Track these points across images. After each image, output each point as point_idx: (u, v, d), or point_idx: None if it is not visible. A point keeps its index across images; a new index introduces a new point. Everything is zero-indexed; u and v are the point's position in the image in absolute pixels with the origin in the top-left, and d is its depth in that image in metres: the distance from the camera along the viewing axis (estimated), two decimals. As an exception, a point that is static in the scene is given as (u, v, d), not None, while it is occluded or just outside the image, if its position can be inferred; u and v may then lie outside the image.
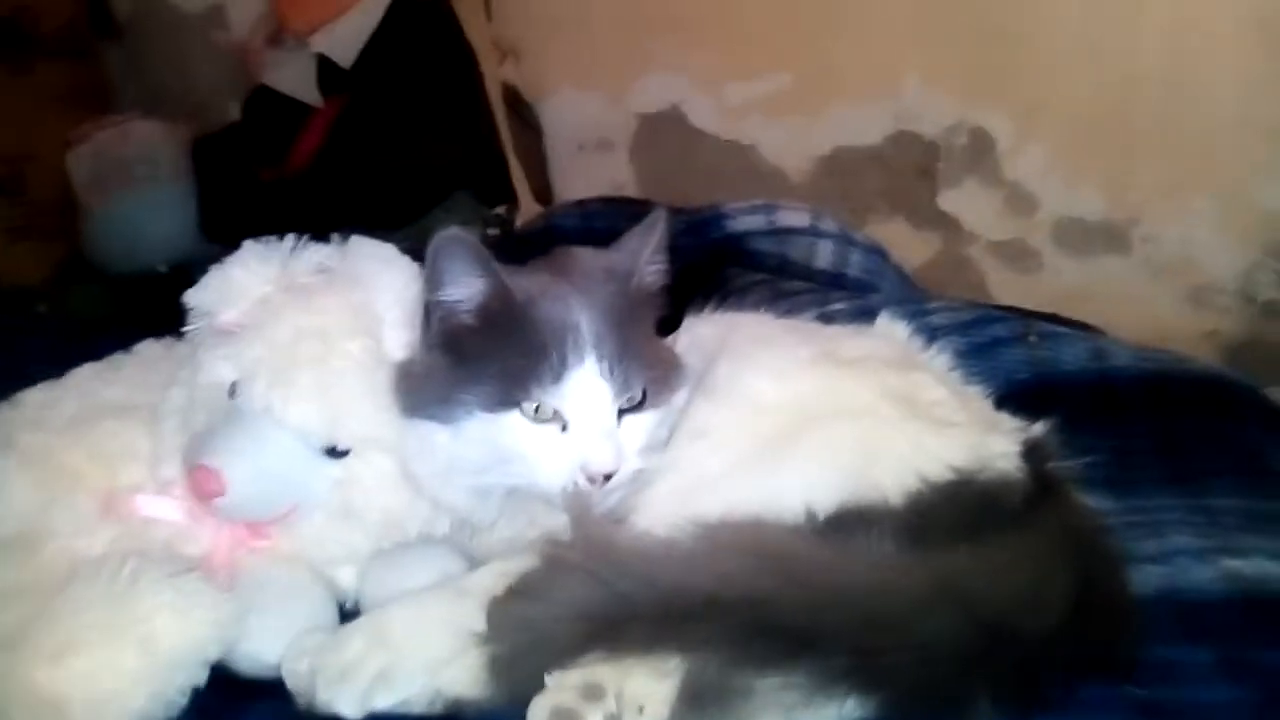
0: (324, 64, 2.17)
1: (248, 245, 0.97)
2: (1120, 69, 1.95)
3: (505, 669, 0.76)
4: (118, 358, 1.06)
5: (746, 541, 0.74)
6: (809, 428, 0.87)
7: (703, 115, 2.35)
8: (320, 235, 2.18)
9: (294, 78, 2.21)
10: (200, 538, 0.91)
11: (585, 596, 0.73)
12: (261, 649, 0.85)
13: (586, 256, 0.96)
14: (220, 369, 0.91)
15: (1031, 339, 1.25)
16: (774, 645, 0.70)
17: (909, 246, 2.08)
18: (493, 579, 0.84)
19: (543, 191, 2.35)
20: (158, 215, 2.25)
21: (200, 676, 0.83)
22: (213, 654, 0.83)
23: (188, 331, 0.97)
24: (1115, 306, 1.95)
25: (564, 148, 2.44)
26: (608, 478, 0.87)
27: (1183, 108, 1.90)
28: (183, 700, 0.82)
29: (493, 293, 0.88)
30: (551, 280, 0.92)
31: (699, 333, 1.01)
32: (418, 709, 0.80)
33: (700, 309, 1.06)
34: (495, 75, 2.23)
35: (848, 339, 1.01)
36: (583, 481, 0.87)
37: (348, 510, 0.92)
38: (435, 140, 2.16)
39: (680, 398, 0.94)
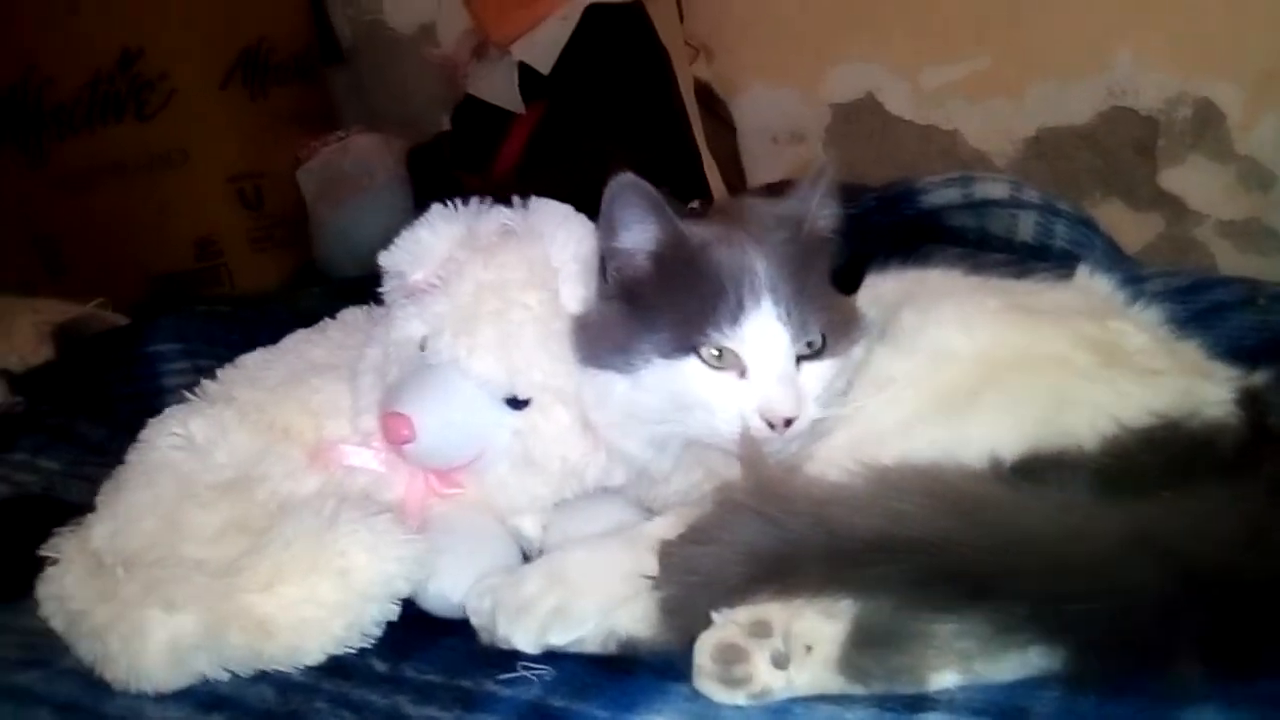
0: (525, 71, 2.26)
1: (435, 208, 1.02)
2: (1368, 23, 1.77)
3: (676, 610, 0.77)
4: (324, 323, 1.14)
5: (923, 483, 0.71)
6: (996, 376, 0.83)
7: (899, 101, 2.29)
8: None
9: (497, 86, 2.31)
10: (396, 485, 0.97)
11: (754, 537, 0.73)
12: (448, 588, 0.89)
13: (757, 204, 0.96)
14: (411, 325, 0.96)
15: (1260, 301, 1.15)
16: (952, 589, 0.67)
17: (1128, 229, 1.95)
18: (666, 526, 0.85)
19: (736, 186, 2.35)
20: (377, 222, 2.39)
21: (392, 611, 0.88)
22: (402, 589, 0.88)
23: (383, 293, 1.03)
24: (1367, 286, 1.77)
25: (756, 141, 2.44)
26: (788, 424, 0.85)
27: None
28: (377, 632, 0.87)
29: (668, 238, 0.89)
30: (725, 227, 0.92)
31: (881, 289, 0.99)
32: (591, 648, 0.82)
33: (883, 267, 1.03)
34: (688, 74, 2.25)
35: (1041, 292, 0.96)
36: (762, 427, 0.85)
37: (529, 460, 0.95)
38: (631, 140, 2.21)
39: (859, 350, 0.92)
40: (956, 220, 1.53)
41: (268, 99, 2.45)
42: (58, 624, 0.92)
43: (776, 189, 2.03)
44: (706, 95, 2.36)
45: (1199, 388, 0.81)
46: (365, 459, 0.97)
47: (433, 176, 2.41)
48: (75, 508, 1.49)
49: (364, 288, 2.43)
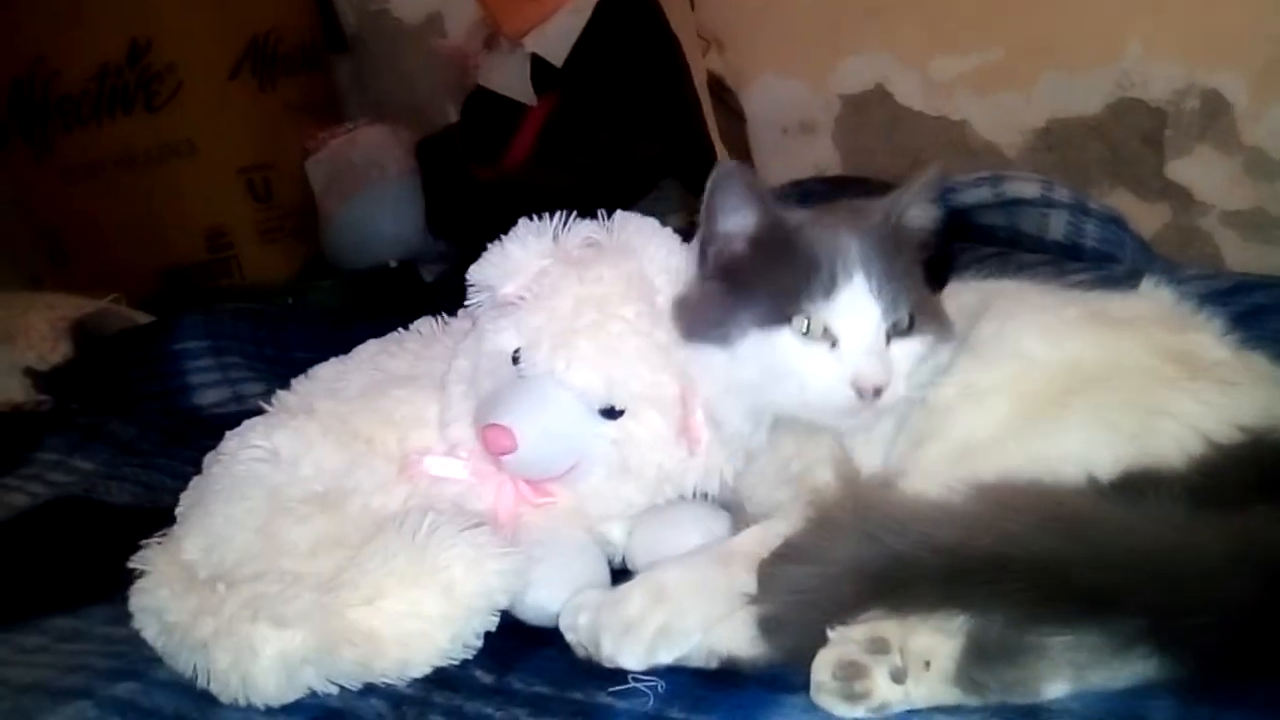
0: (536, 63, 2.26)
1: (523, 223, 1.04)
2: (1375, 15, 1.80)
3: (778, 627, 0.79)
4: (399, 335, 1.15)
5: (1030, 503, 0.74)
6: (1084, 390, 0.86)
7: (909, 93, 2.31)
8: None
9: (509, 78, 2.31)
10: (485, 495, 0.99)
11: (862, 555, 0.75)
12: (545, 599, 0.92)
13: (856, 200, 1.01)
14: (504, 338, 0.98)
15: (1301, 304, 1.18)
16: (1066, 606, 0.70)
17: (1135, 219, 1.96)
18: (756, 542, 0.88)
19: (748, 178, 2.37)
20: (386, 214, 2.40)
21: (491, 622, 0.90)
22: (502, 602, 0.90)
23: (470, 305, 1.04)
24: (1372, 276, 1.82)
25: (766, 133, 2.45)
26: (877, 394, 0.89)
27: None
28: (478, 644, 0.89)
29: (766, 222, 0.94)
30: (820, 212, 0.98)
31: (961, 300, 1.01)
32: (694, 663, 0.84)
33: (961, 278, 1.06)
34: (700, 65, 2.26)
35: (1114, 301, 0.99)
36: (852, 397, 0.89)
37: (625, 468, 0.97)
38: (644, 132, 2.21)
39: (947, 351, 0.95)
40: (987, 219, 1.56)
41: (276, 90, 2.44)
42: (151, 635, 0.93)
43: (804, 185, 2.06)
44: (717, 86, 2.37)
45: (1278, 402, 0.84)
46: (452, 469, 0.99)
47: (443, 169, 2.41)
48: (118, 510, 1.52)
49: (376, 281, 2.45)
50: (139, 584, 0.95)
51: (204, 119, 2.36)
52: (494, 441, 0.93)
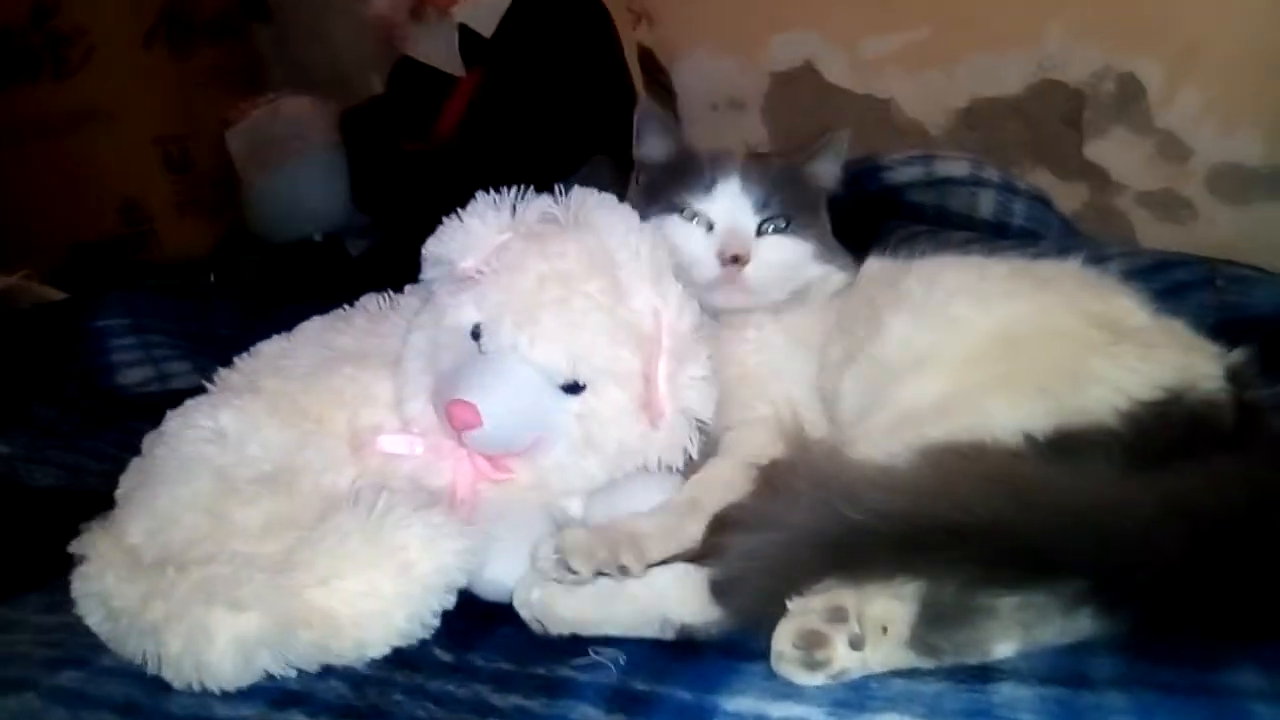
0: (465, 34, 2.22)
1: (480, 197, 1.03)
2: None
3: (730, 591, 0.81)
4: (344, 311, 1.13)
5: (976, 468, 0.76)
6: (1017, 357, 0.89)
7: (838, 71, 2.34)
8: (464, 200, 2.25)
9: (437, 49, 2.26)
10: (442, 471, 0.98)
11: (818, 523, 0.76)
12: (502, 576, 0.91)
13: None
14: (463, 313, 0.97)
15: (1219, 283, 1.23)
16: (1016, 568, 0.73)
17: (1055, 198, 2.05)
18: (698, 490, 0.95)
19: (677, 153, 2.38)
20: (311, 187, 2.35)
21: (449, 600, 0.89)
22: (460, 581, 0.89)
23: (424, 279, 1.03)
24: (1275, 254, 1.90)
25: (697, 108, 2.46)
26: (737, 261, 1.06)
27: (1348, 44, 1.83)
28: (436, 623, 0.89)
29: (675, 149, 1.17)
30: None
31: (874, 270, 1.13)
32: (648, 633, 0.85)
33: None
34: (631, 39, 2.25)
35: (1039, 265, 1.03)
36: (716, 265, 1.07)
37: (588, 442, 0.97)
38: (574, 106, 2.20)
39: (837, 276, 1.14)
40: (918, 197, 1.60)
41: (193, 57, 2.37)
42: (95, 622, 0.91)
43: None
44: (648, 61, 2.37)
45: (1195, 363, 0.88)
46: (406, 446, 0.98)
47: (369, 140, 2.36)
48: (42, 493, 1.47)
49: (301, 255, 2.40)
50: (81, 569, 0.92)
51: (117, 86, 2.27)
52: (459, 418, 0.93)
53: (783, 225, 1.11)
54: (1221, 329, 1.14)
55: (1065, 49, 2.12)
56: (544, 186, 2.26)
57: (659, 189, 1.14)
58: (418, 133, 2.30)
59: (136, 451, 1.46)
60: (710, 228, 1.10)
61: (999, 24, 2.16)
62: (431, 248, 1.02)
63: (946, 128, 2.25)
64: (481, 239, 0.99)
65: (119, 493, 0.99)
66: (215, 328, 1.76)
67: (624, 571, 0.86)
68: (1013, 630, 0.76)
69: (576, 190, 1.05)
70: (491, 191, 1.03)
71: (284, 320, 1.77)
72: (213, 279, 2.25)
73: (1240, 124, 2.00)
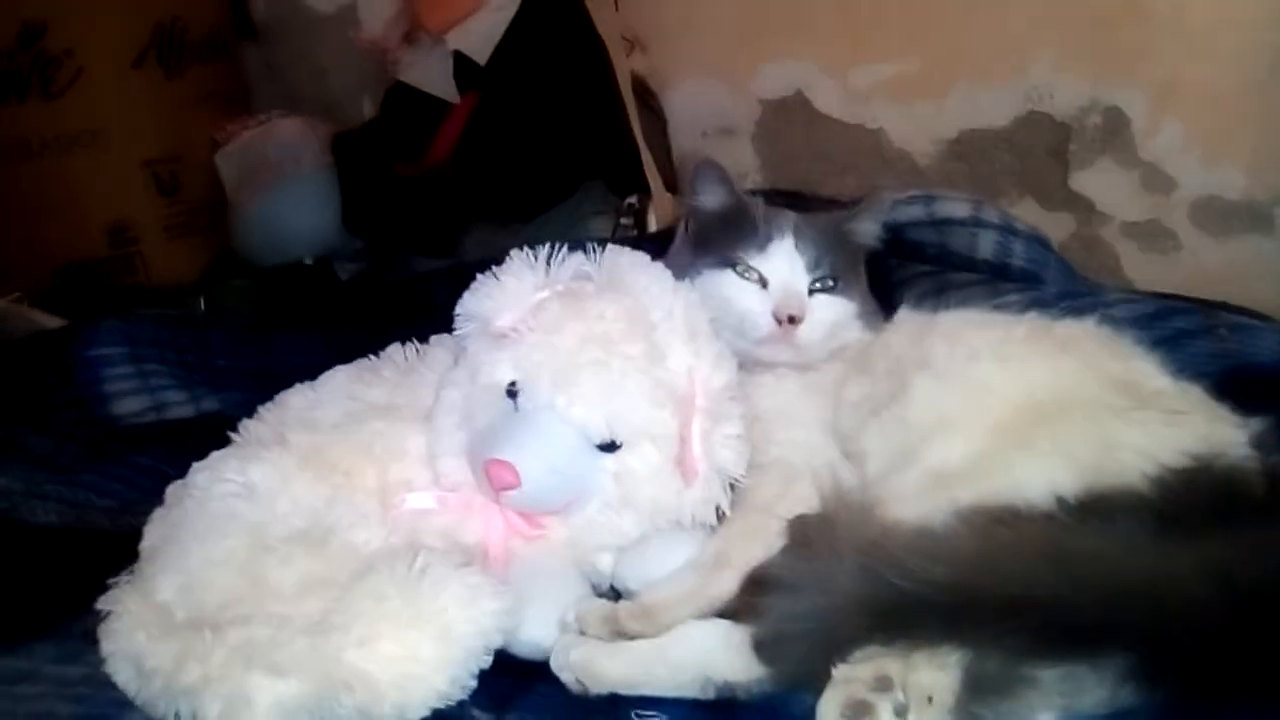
0: (459, 60, 2.23)
1: (515, 255, 1.04)
2: (1263, 40, 1.92)
3: (775, 649, 0.82)
4: (369, 363, 1.13)
5: (1021, 538, 0.78)
6: (1042, 419, 0.91)
7: (827, 100, 2.36)
8: (463, 227, 2.26)
9: (431, 74, 2.27)
10: (473, 528, 0.99)
11: (864, 589, 0.78)
12: (539, 635, 0.92)
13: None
14: (499, 370, 0.98)
15: (1221, 331, 1.26)
16: (1062, 641, 0.74)
17: (1041, 228, 2.07)
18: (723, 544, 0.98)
19: (671, 181, 2.39)
20: (302, 210, 2.34)
21: (486, 661, 0.90)
22: (497, 641, 0.90)
23: (458, 334, 1.03)
24: (1257, 287, 1.93)
25: (687, 135, 2.47)
26: (793, 321, 1.10)
27: (1330, 81, 1.87)
28: (474, 683, 0.89)
29: (731, 201, 1.20)
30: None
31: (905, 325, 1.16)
32: (690, 693, 0.86)
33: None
34: (625, 66, 2.26)
35: (1053, 325, 1.05)
36: (773, 324, 1.11)
37: (624, 500, 0.98)
38: (568, 132, 2.21)
39: (867, 333, 1.17)
40: (918, 236, 1.61)
41: (183, 78, 2.34)
42: (124, 680, 0.90)
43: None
44: (640, 88, 2.37)
45: (1220, 431, 0.91)
46: (430, 502, 0.98)
47: (361, 164, 2.36)
48: (41, 530, 1.44)
49: (291, 279, 2.38)
50: (109, 626, 0.92)
51: (106, 108, 2.24)
52: (497, 477, 0.93)
53: (831, 285, 1.15)
54: (1224, 378, 1.17)
55: (1052, 82, 2.15)
56: (532, 211, 2.28)
57: (711, 241, 1.18)
58: (410, 157, 2.30)
59: (140, 488, 1.45)
60: (764, 285, 1.14)
61: (987, 57, 2.18)
62: (467, 304, 1.03)
63: (935, 158, 2.28)
64: (518, 297, 1.00)
65: (144, 545, 0.99)
66: (213, 358, 1.74)
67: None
68: (1054, 700, 0.78)
69: (610, 249, 1.06)
70: (526, 250, 1.04)
71: (280, 349, 1.78)
72: (203, 304, 2.23)
73: (1222, 157, 2.03)
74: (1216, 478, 0.86)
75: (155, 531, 0.99)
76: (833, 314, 1.15)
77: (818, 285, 1.15)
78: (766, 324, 1.11)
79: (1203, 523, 0.82)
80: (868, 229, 1.24)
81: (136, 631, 0.89)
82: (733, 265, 1.14)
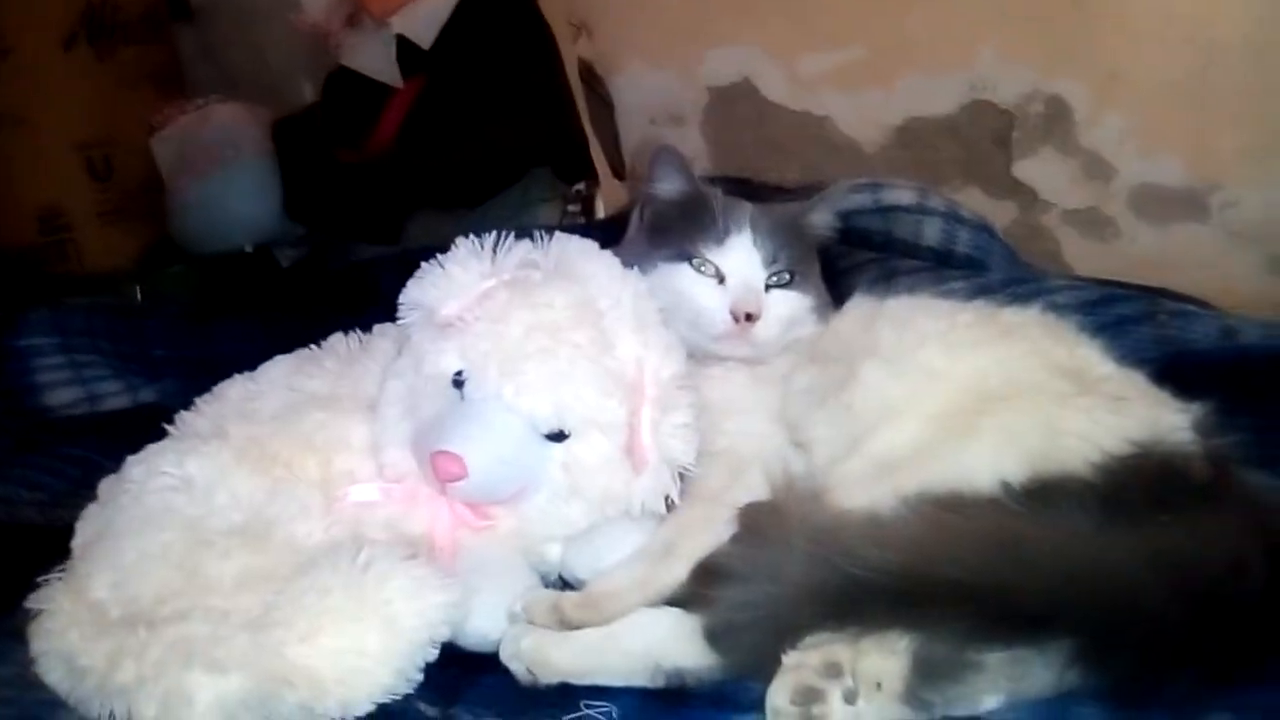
0: (403, 45, 2.19)
1: (461, 243, 1.02)
2: (1200, 34, 1.94)
3: (726, 638, 0.82)
4: (310, 353, 1.10)
5: (971, 525, 0.78)
6: (989, 409, 0.92)
7: (775, 87, 2.35)
8: (408, 214, 2.22)
9: (374, 59, 2.23)
10: (419, 518, 0.97)
11: (816, 578, 0.78)
12: (486, 627, 0.91)
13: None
14: (446, 360, 0.96)
15: (1161, 317, 1.28)
16: (1010, 626, 0.75)
17: (985, 215, 2.10)
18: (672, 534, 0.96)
19: (619, 167, 2.38)
20: (242, 196, 2.29)
21: (433, 654, 0.88)
22: (444, 633, 0.89)
23: (403, 324, 1.01)
24: (1193, 273, 1.97)
25: (635, 122, 2.45)
26: (750, 319, 1.08)
27: (1264, 72, 1.89)
28: (420, 676, 0.87)
29: (688, 189, 1.17)
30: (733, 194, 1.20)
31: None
32: (640, 681, 0.86)
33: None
34: (571, 52, 2.24)
35: (1000, 312, 1.06)
36: (729, 320, 1.08)
37: (572, 489, 0.97)
38: (514, 119, 2.19)
39: (818, 326, 1.15)
40: (865, 223, 1.62)
41: (116, 60, 2.28)
42: (56, 680, 0.88)
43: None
44: (587, 74, 2.36)
45: (1162, 417, 0.92)
46: (374, 494, 0.96)
47: (303, 150, 2.31)
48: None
49: (230, 266, 2.34)
50: (40, 625, 0.89)
51: (36, 90, 2.18)
52: (444, 469, 0.92)
53: (788, 280, 1.13)
54: (1164, 364, 1.19)
55: (996, 71, 2.17)
56: (478, 198, 2.25)
57: (668, 231, 1.14)
58: (353, 143, 2.26)
59: (71, 480, 1.41)
60: (721, 280, 1.11)
61: (933, 46, 2.19)
62: (411, 293, 1.00)
63: (882, 146, 2.29)
64: (463, 286, 0.98)
65: (76, 542, 0.96)
66: (149, 347, 1.70)
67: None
68: (1000, 683, 0.78)
69: (557, 236, 1.04)
70: (472, 238, 1.02)
71: (220, 338, 1.74)
72: (139, 292, 2.18)
73: (1160, 146, 2.06)
74: (1159, 463, 0.86)
75: (88, 527, 0.96)
76: (788, 309, 1.13)
77: (774, 280, 1.13)
78: (723, 320, 1.09)
79: (1146, 508, 0.82)
80: (825, 220, 1.23)
81: (69, 630, 0.86)
82: (689, 259, 1.12)
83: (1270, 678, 0.78)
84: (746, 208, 1.16)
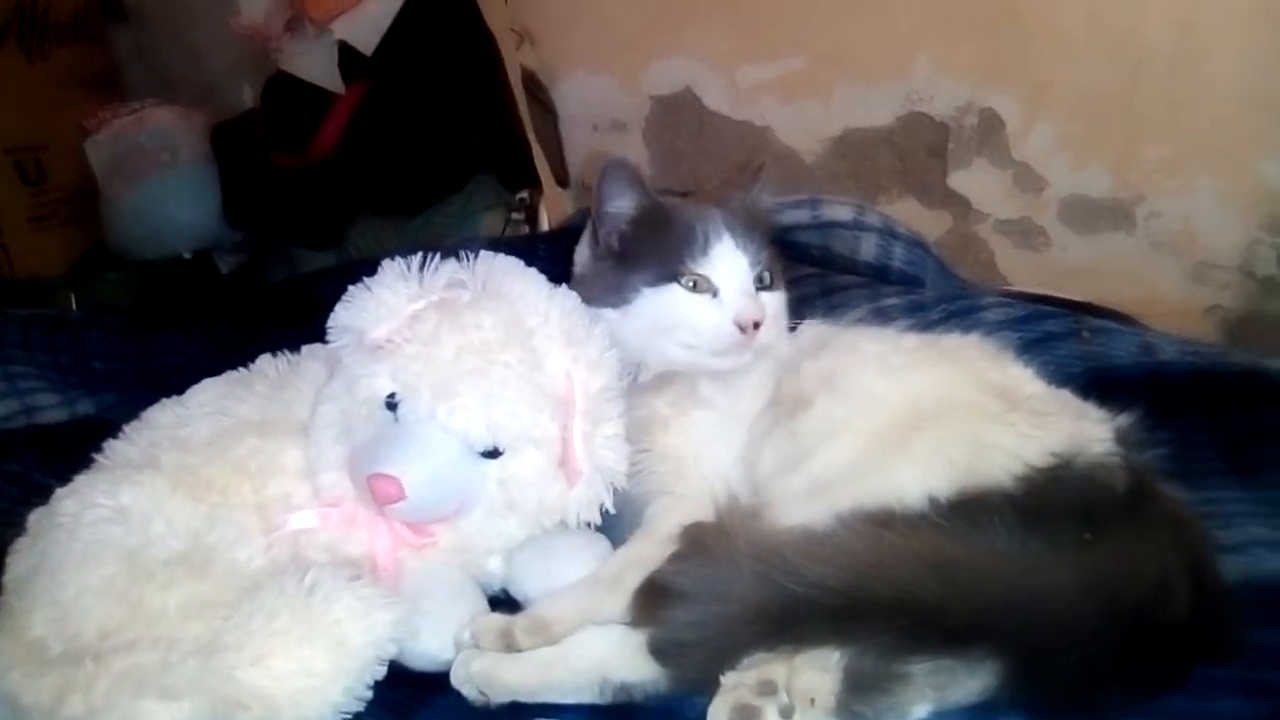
0: (345, 51, 2.18)
1: (387, 265, 1.02)
2: (1127, 50, 2.02)
3: (672, 652, 0.84)
4: (239, 375, 1.10)
5: (908, 544, 0.81)
6: (922, 426, 0.95)
7: (716, 97, 2.39)
8: (349, 220, 2.20)
9: (315, 64, 2.22)
10: (358, 539, 0.98)
11: (764, 597, 0.80)
12: (434, 648, 0.92)
13: (707, 193, 1.15)
14: (378, 383, 0.96)
15: (1084, 334, 1.32)
16: (939, 640, 0.78)
17: (920, 225, 2.12)
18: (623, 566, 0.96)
19: (561, 175, 2.39)
20: (179, 202, 2.27)
21: (381, 671, 0.89)
22: (391, 651, 0.90)
23: (333, 348, 1.01)
24: (1119, 282, 2.05)
25: (578, 130, 2.47)
26: (756, 327, 1.05)
27: (1188, 88, 1.97)
28: (369, 694, 0.88)
29: (645, 203, 1.10)
30: (685, 199, 1.17)
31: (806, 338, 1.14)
32: (588, 698, 0.88)
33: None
34: (514, 59, 2.25)
35: (940, 338, 1.10)
36: (735, 333, 1.05)
37: (509, 504, 0.99)
38: (456, 126, 2.19)
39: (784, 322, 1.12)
40: (803, 238, 1.65)
41: (47, 61, 2.24)
42: (0, 722, 0.87)
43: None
44: (530, 82, 2.36)
45: (1085, 429, 0.95)
46: (311, 520, 0.97)
47: (242, 155, 2.29)
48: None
49: (168, 273, 2.30)
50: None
51: (-37, 93, 2.13)
52: (382, 491, 0.93)
53: (769, 280, 1.11)
54: (1087, 379, 1.23)
55: (932, 83, 2.23)
56: (420, 205, 2.24)
57: (641, 255, 1.08)
58: (293, 148, 2.25)
59: (9, 496, 1.38)
60: (714, 293, 1.07)
61: (870, 57, 2.25)
62: (340, 317, 1.00)
63: (821, 156, 2.34)
64: (393, 309, 0.98)
65: (8, 578, 0.94)
66: (88, 360, 1.67)
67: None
68: (927, 693, 0.81)
69: (483, 255, 1.05)
70: (398, 259, 1.02)
71: (160, 350, 1.72)
72: (74, 299, 2.14)
73: (1089, 158, 2.14)
74: (1080, 474, 0.90)
75: (21, 563, 0.94)
76: (777, 306, 1.11)
77: (759, 282, 1.09)
78: (729, 334, 1.05)
79: (1069, 519, 0.86)
80: (767, 201, 1.20)
81: (9, 671, 0.84)
82: (676, 277, 1.06)
83: (1189, 687, 0.82)
84: (715, 211, 1.11)
